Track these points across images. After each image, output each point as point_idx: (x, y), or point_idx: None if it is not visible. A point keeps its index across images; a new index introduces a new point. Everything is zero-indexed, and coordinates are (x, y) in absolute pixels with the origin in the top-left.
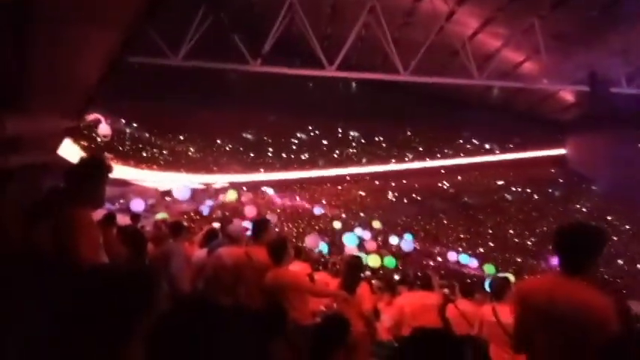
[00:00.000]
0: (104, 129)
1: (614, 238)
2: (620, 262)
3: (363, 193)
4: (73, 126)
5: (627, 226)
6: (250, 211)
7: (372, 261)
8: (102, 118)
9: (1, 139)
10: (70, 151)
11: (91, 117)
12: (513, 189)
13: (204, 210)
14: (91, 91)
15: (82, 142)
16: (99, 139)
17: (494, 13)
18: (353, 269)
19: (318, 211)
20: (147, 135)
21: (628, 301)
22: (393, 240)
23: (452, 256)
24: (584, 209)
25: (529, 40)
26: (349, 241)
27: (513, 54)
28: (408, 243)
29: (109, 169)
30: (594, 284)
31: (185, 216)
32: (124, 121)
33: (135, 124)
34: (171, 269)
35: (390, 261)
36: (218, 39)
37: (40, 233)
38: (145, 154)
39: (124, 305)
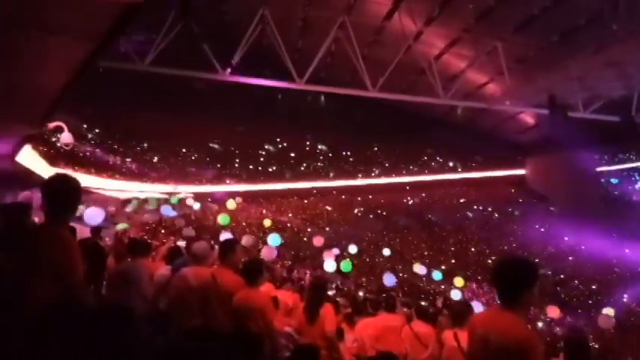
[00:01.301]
0: (66, 137)
1: (570, 259)
2: (575, 282)
3: (329, 208)
4: (33, 133)
5: (582, 247)
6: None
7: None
8: (64, 126)
9: None
10: (29, 158)
11: (53, 124)
12: (475, 207)
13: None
14: (55, 99)
15: (41, 149)
16: (59, 146)
17: (460, 34)
18: (318, 290)
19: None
20: (109, 142)
21: (602, 311)
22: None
23: (421, 270)
24: (542, 229)
25: (493, 63)
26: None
27: (477, 75)
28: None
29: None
30: (524, 317)
31: (147, 227)
32: (85, 126)
33: (97, 130)
34: (132, 291)
35: (346, 265)
36: (187, 47)
37: (13, 247)
38: (106, 162)
39: None
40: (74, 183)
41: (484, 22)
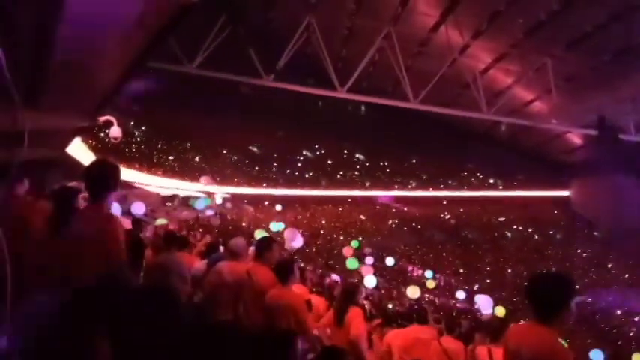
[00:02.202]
0: (115, 131)
1: (614, 287)
2: (617, 312)
3: (363, 217)
4: (85, 126)
5: (626, 275)
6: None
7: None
8: (114, 121)
9: (12, 133)
10: (79, 149)
11: (104, 118)
12: (514, 227)
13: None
14: (108, 93)
15: (90, 142)
16: (107, 140)
17: (508, 50)
18: (348, 295)
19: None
20: (154, 140)
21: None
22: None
23: (460, 294)
24: (584, 254)
25: (540, 80)
26: (351, 265)
27: (524, 92)
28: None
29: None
30: (558, 332)
31: (185, 224)
32: (132, 123)
33: (143, 128)
34: (169, 282)
35: (352, 262)
36: (234, 51)
37: (63, 230)
38: (150, 159)
39: None
40: (111, 166)
41: (533, 37)
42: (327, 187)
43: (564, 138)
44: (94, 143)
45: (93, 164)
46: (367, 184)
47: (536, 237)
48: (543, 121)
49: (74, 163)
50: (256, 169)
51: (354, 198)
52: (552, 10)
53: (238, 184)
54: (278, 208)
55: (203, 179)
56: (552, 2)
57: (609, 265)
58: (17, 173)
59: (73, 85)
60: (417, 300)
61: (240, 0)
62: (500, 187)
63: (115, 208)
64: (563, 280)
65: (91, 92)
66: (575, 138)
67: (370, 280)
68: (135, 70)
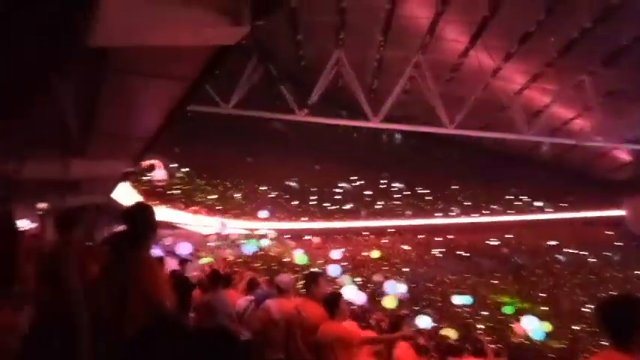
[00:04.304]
0: (160, 174)
1: None
2: None
3: (406, 247)
4: (129, 171)
5: None
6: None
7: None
8: (158, 164)
9: (63, 182)
10: (125, 194)
11: (147, 162)
12: (567, 250)
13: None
14: (150, 138)
15: (135, 186)
16: (150, 182)
17: (543, 69)
18: (394, 328)
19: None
20: (195, 180)
21: None
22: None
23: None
24: None
25: (580, 97)
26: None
27: (563, 110)
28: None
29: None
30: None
31: (228, 260)
32: (174, 165)
33: (184, 169)
34: (216, 320)
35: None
36: (267, 89)
37: (113, 276)
38: (192, 199)
39: None
40: (148, 209)
41: (567, 55)
42: (367, 218)
43: (611, 155)
44: (138, 187)
45: (132, 209)
46: (408, 212)
47: (592, 260)
48: (587, 138)
49: (120, 208)
50: (295, 203)
51: (395, 227)
52: (584, 27)
53: (279, 220)
54: (316, 240)
55: (221, 222)
56: (583, 20)
57: None
58: (81, 219)
59: (117, 134)
60: (467, 329)
61: (270, 40)
62: (549, 210)
63: (157, 250)
64: (636, 299)
65: (135, 139)
66: (623, 154)
67: (424, 321)
68: (176, 115)
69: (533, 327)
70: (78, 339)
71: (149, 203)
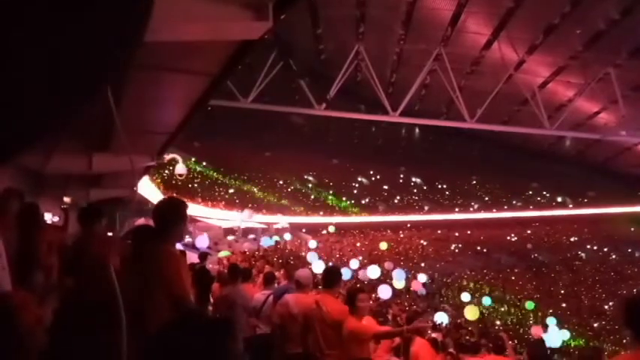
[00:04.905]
0: (181, 169)
1: None
2: None
3: (424, 242)
4: (151, 165)
5: None
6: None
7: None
8: (179, 158)
9: (87, 176)
10: (146, 187)
11: (169, 157)
12: (588, 247)
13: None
14: (172, 133)
15: (155, 179)
16: (170, 176)
17: (567, 62)
18: (411, 323)
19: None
20: (214, 174)
21: None
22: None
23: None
24: None
25: (605, 90)
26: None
27: (587, 104)
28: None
29: (187, 207)
30: None
31: (247, 254)
32: (193, 159)
33: (204, 163)
34: (235, 314)
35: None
36: (286, 84)
37: (135, 269)
38: (211, 193)
39: None
40: (176, 203)
41: (593, 48)
42: (384, 213)
43: (636, 149)
44: (158, 180)
45: (160, 203)
46: (426, 207)
47: (614, 256)
48: (612, 133)
49: (142, 201)
50: (312, 197)
51: (413, 223)
52: (611, 18)
53: (296, 214)
54: (331, 229)
55: (246, 212)
56: (611, 11)
57: None
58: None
59: (140, 128)
60: (485, 326)
61: (290, 34)
62: (570, 205)
63: (202, 243)
64: None
65: (157, 133)
66: None
67: (441, 317)
68: (197, 110)
69: (551, 334)
70: (119, 329)
71: (178, 197)
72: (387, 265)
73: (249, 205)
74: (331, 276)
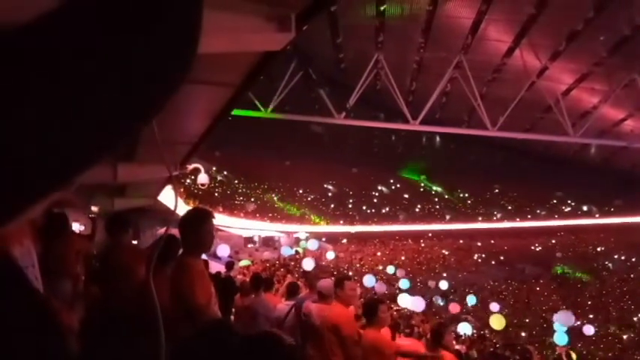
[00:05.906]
0: (203, 178)
1: None
2: None
3: (446, 252)
4: (174, 174)
5: None
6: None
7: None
8: (201, 168)
9: (111, 186)
10: (169, 197)
11: (191, 166)
12: (615, 257)
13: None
14: (195, 143)
15: (174, 189)
16: (192, 185)
17: (591, 69)
18: (436, 337)
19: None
20: (235, 183)
21: None
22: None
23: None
24: None
25: (630, 97)
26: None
27: (613, 111)
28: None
29: (213, 218)
30: None
31: (267, 264)
32: (214, 168)
33: (225, 173)
34: (258, 325)
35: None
36: (305, 93)
37: (161, 280)
38: (232, 202)
39: None
40: (201, 214)
41: (618, 53)
42: (405, 222)
43: None
44: (181, 190)
45: (186, 214)
46: (447, 216)
47: None
48: (638, 140)
49: (165, 210)
50: (332, 206)
51: (434, 232)
52: (636, 24)
53: (315, 223)
54: (344, 240)
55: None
56: (636, 16)
57: None
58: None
59: (165, 139)
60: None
61: (310, 44)
62: (597, 215)
63: (223, 252)
64: None
65: (180, 143)
66: None
67: (465, 327)
68: (220, 120)
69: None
70: (158, 336)
71: (205, 208)
72: (399, 272)
73: (269, 215)
74: (336, 284)
